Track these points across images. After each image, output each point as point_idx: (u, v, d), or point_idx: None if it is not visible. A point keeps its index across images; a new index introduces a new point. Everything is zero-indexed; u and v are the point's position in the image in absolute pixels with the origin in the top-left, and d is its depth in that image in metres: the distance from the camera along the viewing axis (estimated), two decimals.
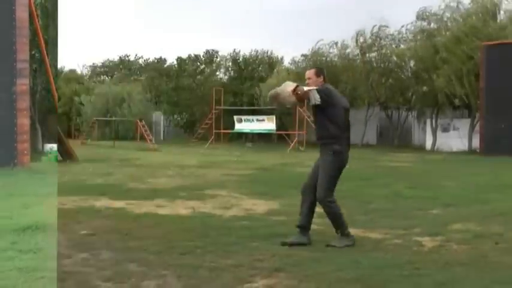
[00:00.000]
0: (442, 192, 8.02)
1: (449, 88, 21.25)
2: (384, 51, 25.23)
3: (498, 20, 22.31)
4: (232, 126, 25.23)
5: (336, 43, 26.76)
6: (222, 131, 25.89)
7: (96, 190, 7.30)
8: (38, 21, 13.03)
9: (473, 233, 4.83)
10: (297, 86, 3.98)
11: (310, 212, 4.25)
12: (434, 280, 3.28)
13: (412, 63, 24.69)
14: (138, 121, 23.63)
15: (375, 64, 25.33)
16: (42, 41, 12.50)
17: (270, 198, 6.87)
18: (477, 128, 21.00)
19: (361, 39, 25.49)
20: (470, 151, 21.07)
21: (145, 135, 22.22)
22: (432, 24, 23.57)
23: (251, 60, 32.00)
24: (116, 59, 42.08)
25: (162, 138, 30.36)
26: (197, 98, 30.57)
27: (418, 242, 4.45)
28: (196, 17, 62.93)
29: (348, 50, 26.48)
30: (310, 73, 4.24)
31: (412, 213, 6.02)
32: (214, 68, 33.42)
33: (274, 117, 24.08)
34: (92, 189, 7.47)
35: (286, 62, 32.09)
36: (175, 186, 8.07)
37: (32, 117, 14.72)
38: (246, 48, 54.58)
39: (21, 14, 10.60)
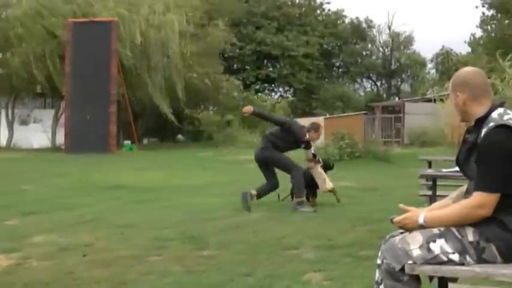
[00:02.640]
0: (21, 198, 8.84)
1: (27, 71, 22.51)
2: None
3: None
4: None
5: None
6: None
7: None
8: None
9: (57, 245, 5.50)
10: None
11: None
12: None
13: None
14: None
15: None
16: None
17: None
18: (63, 120, 23.22)
19: None
20: (55, 148, 22.91)
21: None
22: None
23: None
24: None
25: None
26: None
27: None
28: None
29: None
30: None
31: None
32: None
33: None
34: None
35: None
36: None
37: None
38: None
39: None
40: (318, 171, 8.44)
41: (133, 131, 24.96)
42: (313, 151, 8.60)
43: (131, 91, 25.59)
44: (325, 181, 8.44)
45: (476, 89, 2.80)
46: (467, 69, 2.93)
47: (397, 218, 2.83)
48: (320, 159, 8.73)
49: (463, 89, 2.82)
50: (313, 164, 8.45)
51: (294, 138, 8.15)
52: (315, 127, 8.39)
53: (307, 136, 8.24)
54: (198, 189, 10.86)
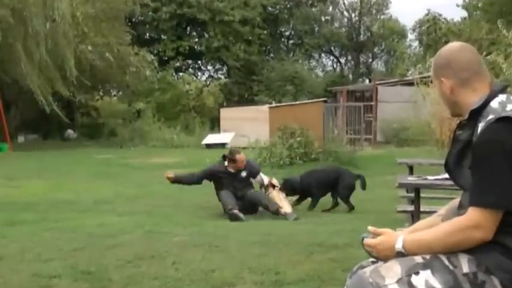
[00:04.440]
0: None
1: None
2: None
3: None
4: None
5: None
6: None
7: None
8: None
9: None
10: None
11: None
12: None
13: None
14: None
15: None
16: None
17: None
18: None
19: None
20: None
21: None
22: None
23: None
24: None
25: None
26: None
27: None
28: None
29: None
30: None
31: None
32: None
33: None
34: None
35: None
36: None
37: None
38: None
39: None
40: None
41: (5, 124, 24.43)
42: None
43: (1, 68, 25.02)
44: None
45: (465, 71, 2.84)
46: (452, 46, 2.96)
47: (369, 241, 2.86)
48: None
49: (447, 73, 2.87)
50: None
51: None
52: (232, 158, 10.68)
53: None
54: (97, 205, 10.76)
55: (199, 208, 10.84)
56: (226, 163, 10.72)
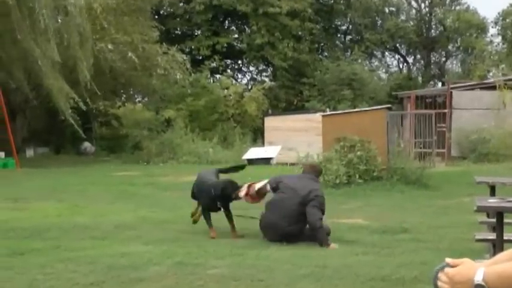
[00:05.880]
0: None
1: None
2: None
3: None
4: None
5: None
6: None
7: None
8: None
9: None
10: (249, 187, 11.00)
11: None
12: None
13: None
14: None
15: None
16: None
17: None
18: None
19: None
20: None
21: None
22: None
23: None
24: None
25: None
26: None
27: None
28: None
29: None
30: None
31: None
32: None
33: None
34: None
35: None
36: None
37: None
38: None
39: None
40: None
41: (11, 136, 24.72)
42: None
43: (6, 70, 25.30)
44: None
45: None
46: None
47: (447, 270, 2.85)
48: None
49: None
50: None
51: None
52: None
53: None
54: (119, 231, 10.83)
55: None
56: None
